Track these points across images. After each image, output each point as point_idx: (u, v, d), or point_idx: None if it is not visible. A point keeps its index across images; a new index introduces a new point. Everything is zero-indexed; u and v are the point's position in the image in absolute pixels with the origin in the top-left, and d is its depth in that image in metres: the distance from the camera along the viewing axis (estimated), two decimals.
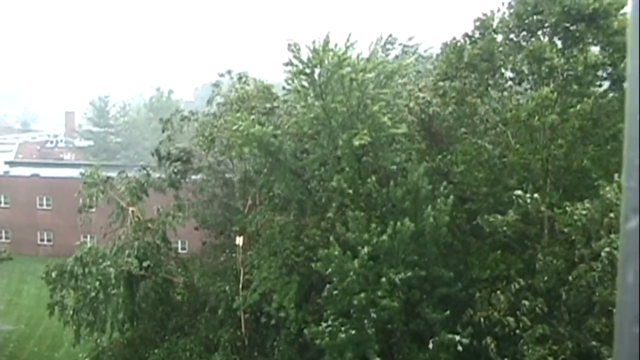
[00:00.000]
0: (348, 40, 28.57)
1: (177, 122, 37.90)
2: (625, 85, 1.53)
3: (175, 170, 36.04)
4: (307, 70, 28.23)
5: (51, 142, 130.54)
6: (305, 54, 28.16)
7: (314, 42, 28.06)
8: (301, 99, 29.62)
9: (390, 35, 43.10)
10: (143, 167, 37.35)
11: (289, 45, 28.22)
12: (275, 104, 33.45)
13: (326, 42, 27.96)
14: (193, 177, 37.73)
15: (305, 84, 28.80)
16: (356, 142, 26.10)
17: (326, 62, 27.63)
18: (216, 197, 37.51)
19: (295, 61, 28.28)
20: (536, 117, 23.93)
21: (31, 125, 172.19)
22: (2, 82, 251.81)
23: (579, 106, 23.42)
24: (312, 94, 28.65)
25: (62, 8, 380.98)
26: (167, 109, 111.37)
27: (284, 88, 33.19)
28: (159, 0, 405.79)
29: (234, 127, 28.98)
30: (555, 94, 24.01)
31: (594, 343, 21.21)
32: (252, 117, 29.93)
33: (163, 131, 37.96)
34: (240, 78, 37.01)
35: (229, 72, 37.95)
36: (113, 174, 38.24)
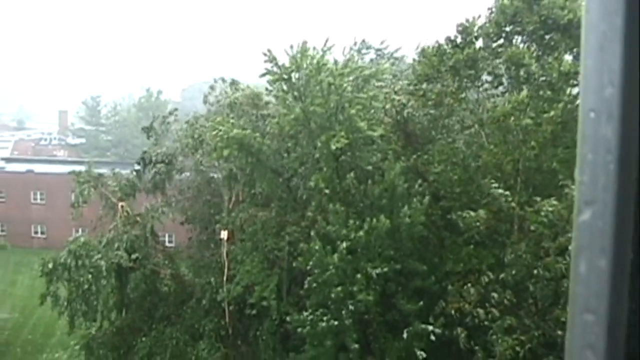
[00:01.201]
0: (325, 45, 28.52)
1: (159, 126, 37.68)
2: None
3: (159, 172, 35.93)
4: (285, 76, 28.21)
5: (45, 140, 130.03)
6: (284, 58, 28.18)
7: (292, 47, 28.03)
8: (281, 102, 29.56)
9: (364, 40, 43.10)
10: (135, 170, 37.12)
11: (265, 54, 28.18)
12: (264, 111, 33.29)
13: (304, 48, 27.93)
14: (177, 177, 37.59)
15: (285, 87, 28.76)
16: (333, 146, 26.08)
17: (304, 66, 27.62)
18: (201, 194, 37.43)
19: (274, 69, 28.26)
20: (511, 119, 24.03)
21: (26, 123, 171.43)
22: None
23: (552, 112, 23.53)
24: (291, 97, 28.63)
25: (56, 14, 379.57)
26: (155, 109, 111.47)
27: (266, 89, 33.13)
28: (147, 5, 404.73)
29: (214, 132, 28.92)
30: (530, 98, 24.15)
31: (559, 332, 21.31)
32: (233, 120, 29.78)
33: (148, 138, 37.82)
34: (232, 84, 36.87)
35: (223, 79, 37.78)
36: (103, 170, 38.16)
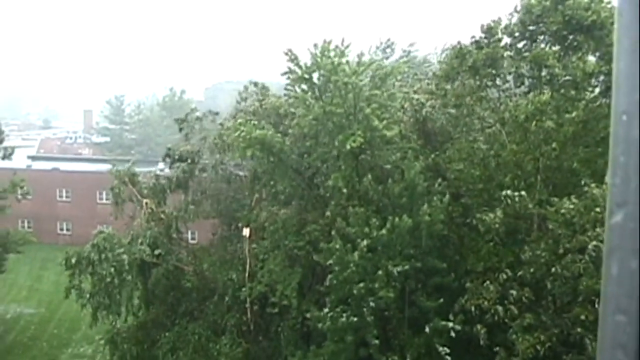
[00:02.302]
0: (342, 44, 28.38)
1: (192, 121, 38.02)
2: None
3: (183, 170, 36.13)
4: (306, 76, 28.18)
5: (70, 138, 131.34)
6: (306, 58, 28.15)
7: (316, 46, 28.00)
8: (301, 102, 29.55)
9: (389, 39, 42.95)
10: (169, 179, 37.26)
11: (287, 54, 28.18)
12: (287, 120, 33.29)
13: (324, 49, 27.87)
14: (201, 175, 37.76)
15: (305, 87, 28.74)
16: (348, 146, 26.01)
17: (323, 67, 27.55)
18: (223, 192, 37.56)
19: (294, 68, 28.25)
20: (533, 122, 23.87)
21: (52, 122, 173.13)
22: (25, 83, 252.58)
23: (574, 113, 23.36)
24: (310, 97, 28.63)
25: (79, 15, 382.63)
26: (179, 108, 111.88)
27: (285, 95, 33.11)
28: (170, 4, 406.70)
29: (236, 133, 29.03)
30: (552, 98, 23.99)
31: (579, 330, 21.15)
32: (255, 122, 29.77)
33: (180, 130, 38.17)
34: (262, 88, 36.92)
35: (256, 84, 37.82)
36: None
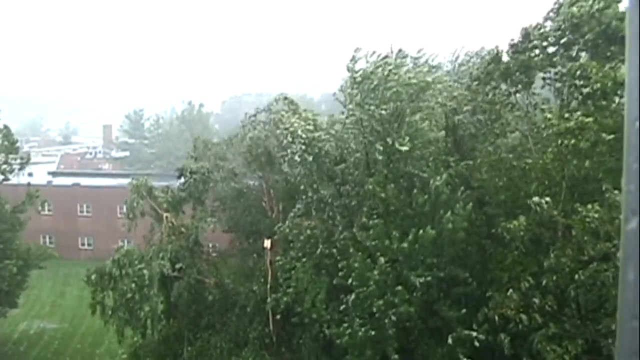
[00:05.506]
0: (400, 56, 28.39)
1: (202, 148, 38.60)
2: None
3: (195, 181, 36.25)
4: (358, 81, 27.92)
5: (90, 154, 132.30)
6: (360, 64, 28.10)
7: (375, 53, 27.99)
8: (347, 105, 29.54)
9: (401, 50, 42.83)
10: (182, 189, 37.45)
11: (356, 50, 28.17)
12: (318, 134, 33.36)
13: (379, 63, 27.71)
14: (217, 186, 37.87)
15: (354, 92, 28.48)
16: (401, 147, 25.73)
17: (377, 74, 27.34)
18: (241, 204, 37.66)
19: (353, 68, 28.13)
20: (567, 140, 23.43)
21: (72, 138, 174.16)
22: (44, 99, 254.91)
23: (611, 135, 22.81)
24: (355, 102, 28.46)
25: (97, 32, 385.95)
26: (197, 121, 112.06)
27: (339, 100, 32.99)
28: (186, 20, 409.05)
29: (290, 138, 28.86)
30: (580, 105, 23.68)
31: (609, 340, 20.86)
32: (310, 126, 29.35)
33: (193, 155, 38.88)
34: (291, 103, 37.02)
35: (285, 99, 37.93)
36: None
